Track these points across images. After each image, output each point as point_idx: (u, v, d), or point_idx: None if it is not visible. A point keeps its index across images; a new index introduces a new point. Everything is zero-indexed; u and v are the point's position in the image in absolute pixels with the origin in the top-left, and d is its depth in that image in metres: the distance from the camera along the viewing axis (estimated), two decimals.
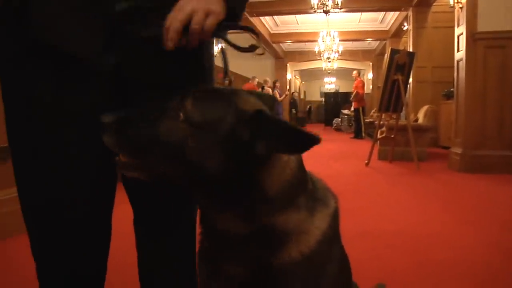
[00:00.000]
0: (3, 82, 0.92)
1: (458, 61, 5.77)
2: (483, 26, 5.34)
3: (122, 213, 1.29)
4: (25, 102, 0.90)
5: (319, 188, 0.90)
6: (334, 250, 0.89)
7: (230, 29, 0.95)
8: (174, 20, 0.85)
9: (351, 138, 12.62)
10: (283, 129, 0.72)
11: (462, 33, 5.56)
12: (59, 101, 0.89)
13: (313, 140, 0.70)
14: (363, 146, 8.91)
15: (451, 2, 6.00)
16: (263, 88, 11.64)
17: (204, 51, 1.03)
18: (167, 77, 0.97)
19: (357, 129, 12.58)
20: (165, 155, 0.77)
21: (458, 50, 5.76)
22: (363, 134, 12.21)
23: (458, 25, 5.73)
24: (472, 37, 5.37)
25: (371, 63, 19.29)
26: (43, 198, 0.92)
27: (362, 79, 14.38)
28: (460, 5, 5.61)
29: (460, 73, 5.67)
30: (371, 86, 18.85)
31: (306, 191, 0.85)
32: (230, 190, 0.77)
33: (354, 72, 13.50)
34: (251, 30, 0.98)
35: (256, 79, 11.63)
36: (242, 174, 0.75)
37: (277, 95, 12.98)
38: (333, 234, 0.87)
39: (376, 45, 17.85)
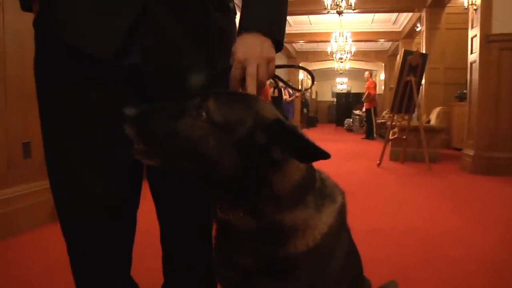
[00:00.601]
0: (37, 83, 1.01)
1: (471, 63, 5.78)
2: (497, 28, 5.34)
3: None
4: (55, 102, 0.97)
5: (327, 185, 0.95)
6: (340, 242, 0.95)
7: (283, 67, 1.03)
8: (235, 73, 0.95)
9: (362, 138, 12.62)
10: (299, 140, 0.78)
11: (476, 35, 5.57)
12: (84, 99, 0.95)
13: (324, 155, 0.78)
14: (375, 146, 8.93)
15: (465, 4, 6.01)
16: (275, 87, 11.67)
17: (216, 55, 1.06)
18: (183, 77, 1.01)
19: (368, 130, 12.58)
20: (183, 150, 0.80)
21: (471, 52, 5.77)
22: (375, 135, 12.20)
23: (472, 27, 5.74)
24: (486, 39, 5.38)
25: (383, 64, 19.21)
26: (75, 191, 0.99)
27: (374, 80, 14.36)
28: (475, 7, 5.62)
29: (474, 75, 5.68)
30: (383, 87, 18.79)
31: (314, 189, 0.90)
32: (242, 188, 0.82)
33: (366, 73, 13.49)
34: (307, 71, 1.12)
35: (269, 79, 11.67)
36: (256, 174, 0.80)
37: (287, 95, 13.00)
38: (339, 227, 0.93)
39: (388, 46, 17.78)
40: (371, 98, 12.55)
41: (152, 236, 1.37)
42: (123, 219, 1.07)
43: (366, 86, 12.87)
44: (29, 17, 1.02)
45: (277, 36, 1.00)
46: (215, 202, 0.89)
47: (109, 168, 1.00)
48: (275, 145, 0.79)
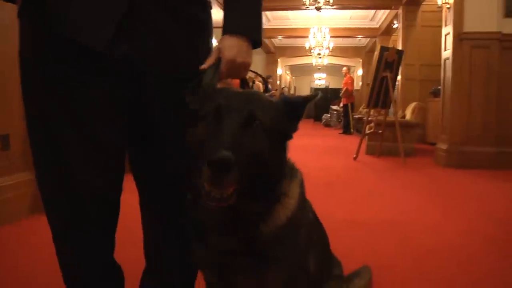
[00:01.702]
0: (24, 75, 1.03)
1: (445, 60, 5.94)
2: (469, 26, 5.51)
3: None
4: (46, 93, 1.00)
5: (289, 163, 1.06)
6: (306, 212, 1.08)
7: None
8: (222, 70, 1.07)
9: (340, 133, 12.77)
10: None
11: (449, 33, 5.73)
12: (77, 90, 0.99)
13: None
14: (352, 141, 9.07)
15: (439, 2, 6.16)
16: (253, 82, 11.71)
17: (199, 46, 1.15)
18: (176, 66, 1.08)
19: (345, 125, 12.71)
20: (256, 162, 0.85)
21: (445, 49, 5.93)
22: (352, 130, 12.37)
23: (446, 25, 5.90)
24: (459, 37, 5.55)
25: (361, 60, 19.45)
26: (69, 181, 1.02)
27: (352, 75, 14.54)
28: (448, 6, 5.77)
29: (447, 72, 5.84)
30: (360, 83, 19.02)
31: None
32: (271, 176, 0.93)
33: (344, 69, 13.64)
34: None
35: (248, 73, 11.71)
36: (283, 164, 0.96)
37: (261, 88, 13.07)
38: (304, 198, 1.05)
39: (366, 42, 18.02)
40: (349, 93, 12.70)
41: (133, 223, 1.41)
42: (110, 206, 1.11)
43: (343, 82, 13.02)
44: (10, 11, 1.05)
45: (257, 37, 1.14)
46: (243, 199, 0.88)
47: (102, 158, 1.04)
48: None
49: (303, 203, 1.04)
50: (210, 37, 1.20)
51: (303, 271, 1.04)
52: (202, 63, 1.09)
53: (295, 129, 0.97)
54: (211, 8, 1.21)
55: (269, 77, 14.00)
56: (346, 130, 12.54)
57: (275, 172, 0.93)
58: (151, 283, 1.31)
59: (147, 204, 1.27)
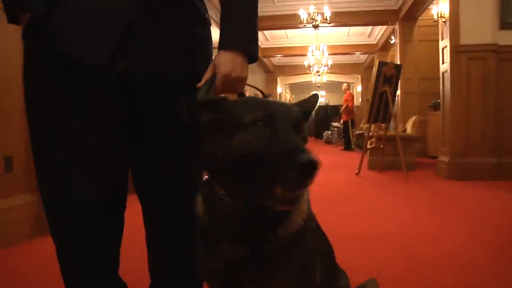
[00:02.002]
0: (27, 93, 1.06)
1: (443, 73, 6.00)
2: (465, 39, 5.58)
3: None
4: (45, 109, 1.03)
5: None
6: (312, 222, 1.06)
7: None
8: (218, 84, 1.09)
9: (341, 150, 12.78)
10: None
11: (446, 46, 5.79)
12: (74, 106, 1.02)
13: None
14: (353, 157, 9.08)
15: (435, 17, 6.24)
16: None
17: (198, 62, 1.16)
18: (171, 83, 1.11)
19: (346, 141, 12.71)
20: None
21: (443, 62, 5.99)
22: (353, 146, 12.38)
23: (442, 38, 5.97)
24: (456, 50, 5.61)
25: (360, 76, 19.57)
26: (66, 197, 1.04)
27: (351, 92, 14.61)
28: (444, 20, 5.85)
29: (446, 85, 5.89)
30: (360, 99, 19.10)
31: None
32: None
33: (344, 85, 13.72)
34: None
35: (247, 93, 11.79)
36: None
37: None
38: (310, 205, 1.04)
39: (364, 59, 18.15)
40: (349, 110, 12.75)
41: (135, 238, 1.42)
42: (112, 221, 1.12)
43: (344, 98, 13.08)
44: (12, 31, 1.09)
45: (253, 51, 1.14)
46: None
47: (98, 172, 1.06)
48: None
49: (310, 214, 1.04)
50: (210, 53, 1.22)
51: (312, 276, 1.03)
52: (200, 79, 1.11)
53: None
54: (210, 24, 1.24)
55: (269, 95, 14.07)
56: (348, 147, 12.54)
57: None
58: None
59: (149, 217, 1.28)
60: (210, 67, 1.11)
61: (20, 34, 1.05)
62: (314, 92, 1.06)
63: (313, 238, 1.05)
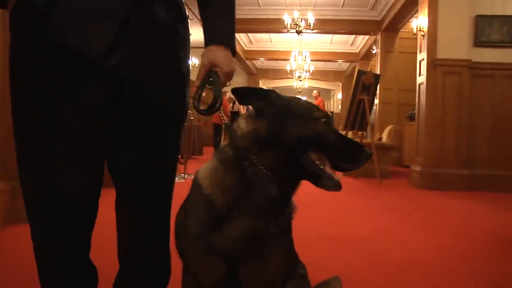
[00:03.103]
0: (15, 81, 1.08)
1: (419, 85, 6.16)
2: (442, 53, 5.76)
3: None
4: (34, 99, 1.05)
5: None
6: None
7: None
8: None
9: None
10: None
11: (423, 59, 5.96)
12: (64, 96, 1.05)
13: None
14: None
15: (414, 30, 6.41)
16: (234, 103, 11.80)
17: (181, 57, 1.24)
18: (157, 76, 1.17)
19: None
20: None
21: (419, 74, 6.15)
22: None
23: (420, 51, 6.14)
24: (432, 63, 5.78)
25: (341, 84, 19.79)
26: (53, 184, 1.08)
27: (322, 99, 14.74)
28: (422, 33, 6.02)
29: (421, 96, 6.06)
30: (340, 106, 19.32)
31: None
32: None
33: (315, 92, 13.84)
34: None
35: (228, 94, 11.82)
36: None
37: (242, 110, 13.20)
38: None
39: (346, 67, 18.37)
40: None
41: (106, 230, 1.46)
42: (90, 206, 1.17)
43: None
44: None
45: (234, 47, 1.26)
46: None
47: (85, 162, 1.10)
48: None
49: None
50: (189, 51, 1.29)
51: (294, 256, 1.25)
52: (184, 73, 1.21)
53: None
54: (188, 22, 1.31)
55: None
56: None
57: None
58: (124, 284, 1.35)
59: (123, 205, 1.32)
60: (205, 62, 1.21)
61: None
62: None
63: None
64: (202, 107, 1.25)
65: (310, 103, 1.15)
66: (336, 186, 1.10)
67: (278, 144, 1.05)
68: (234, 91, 1.14)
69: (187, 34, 1.28)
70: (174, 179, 1.39)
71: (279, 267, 1.11)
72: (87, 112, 1.08)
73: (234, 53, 1.26)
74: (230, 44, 1.24)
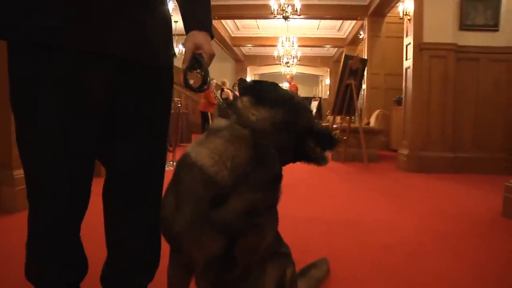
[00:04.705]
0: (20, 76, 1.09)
1: (406, 69, 6.20)
2: (428, 37, 5.78)
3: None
4: (38, 85, 1.07)
5: None
6: None
7: None
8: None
9: None
10: None
11: (410, 43, 5.99)
12: (74, 82, 1.08)
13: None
14: None
15: (401, 14, 6.43)
16: (222, 90, 11.79)
17: (170, 40, 1.34)
18: (154, 57, 1.25)
19: None
20: None
21: (406, 59, 6.19)
22: None
23: (407, 35, 6.16)
24: (419, 47, 5.80)
25: (328, 69, 19.81)
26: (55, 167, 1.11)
27: (295, 83, 14.70)
28: (409, 17, 6.04)
29: (408, 81, 6.10)
30: (328, 92, 19.38)
31: None
32: None
33: (288, 76, 13.75)
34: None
35: (214, 81, 11.79)
36: None
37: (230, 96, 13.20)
38: None
39: (334, 52, 18.38)
40: None
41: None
42: (86, 190, 1.19)
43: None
44: None
45: (212, 32, 1.33)
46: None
47: (84, 149, 1.15)
48: None
49: None
50: (172, 34, 1.36)
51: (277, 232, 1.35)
52: (172, 55, 1.33)
53: None
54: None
55: (236, 84, 14.06)
56: None
57: None
58: (112, 270, 1.37)
59: (114, 190, 1.33)
60: (190, 46, 1.26)
61: None
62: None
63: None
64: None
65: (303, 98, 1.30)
66: (326, 162, 1.29)
67: (289, 130, 1.18)
68: (255, 84, 1.22)
69: (170, 19, 1.35)
70: (165, 165, 1.41)
71: (270, 241, 1.21)
72: (90, 103, 1.12)
73: (212, 37, 1.33)
74: (208, 29, 1.32)
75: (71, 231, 1.20)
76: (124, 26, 1.12)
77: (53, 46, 1.03)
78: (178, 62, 1.47)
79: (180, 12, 1.34)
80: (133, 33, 1.15)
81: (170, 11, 1.39)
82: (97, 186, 1.31)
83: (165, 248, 1.36)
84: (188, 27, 1.30)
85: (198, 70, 1.27)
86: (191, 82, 1.26)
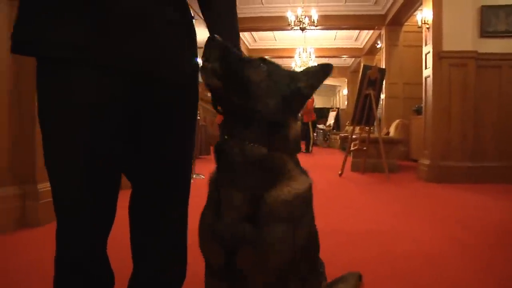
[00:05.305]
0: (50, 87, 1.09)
1: (426, 78, 6.13)
2: (447, 45, 5.72)
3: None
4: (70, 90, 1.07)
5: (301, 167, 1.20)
6: (309, 212, 1.17)
7: None
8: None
9: (302, 151, 12.38)
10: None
11: (429, 52, 5.93)
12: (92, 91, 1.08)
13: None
14: (337, 158, 9.19)
15: (419, 23, 6.38)
16: None
17: (192, 56, 1.31)
18: (177, 73, 1.23)
19: (307, 143, 12.10)
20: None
21: (425, 68, 6.12)
22: (311, 149, 12.10)
23: (426, 44, 6.11)
24: (438, 56, 5.74)
25: (346, 80, 19.75)
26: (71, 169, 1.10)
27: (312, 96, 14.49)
28: (427, 26, 5.99)
29: (428, 90, 6.03)
30: (346, 102, 19.29)
31: (296, 157, 1.17)
32: (273, 124, 1.08)
33: None
34: None
35: None
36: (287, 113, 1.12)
37: None
38: (310, 198, 1.17)
39: (351, 62, 18.34)
40: (307, 110, 12.09)
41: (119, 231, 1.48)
42: (113, 203, 1.21)
43: None
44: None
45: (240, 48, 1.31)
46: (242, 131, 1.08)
47: (109, 158, 1.14)
48: None
49: (309, 201, 1.19)
50: (197, 49, 1.34)
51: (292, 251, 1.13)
52: (196, 70, 1.28)
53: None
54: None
55: None
56: (307, 149, 11.95)
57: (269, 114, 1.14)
58: (138, 283, 1.37)
59: (140, 203, 1.33)
60: None
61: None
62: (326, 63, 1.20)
63: (306, 229, 1.15)
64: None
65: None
66: None
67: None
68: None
69: (195, 32, 1.33)
70: (190, 178, 1.41)
71: (282, 256, 1.06)
72: (113, 112, 1.12)
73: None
74: (237, 45, 1.29)
75: (98, 244, 1.20)
76: (145, 40, 1.11)
77: (76, 61, 1.04)
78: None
79: (207, 26, 1.33)
80: (154, 47, 1.14)
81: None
82: (122, 199, 1.32)
83: (191, 259, 1.36)
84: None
85: None
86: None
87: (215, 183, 1.14)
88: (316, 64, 1.18)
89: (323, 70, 1.16)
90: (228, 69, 1.04)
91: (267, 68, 1.09)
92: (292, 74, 1.15)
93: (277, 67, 1.14)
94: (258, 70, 1.08)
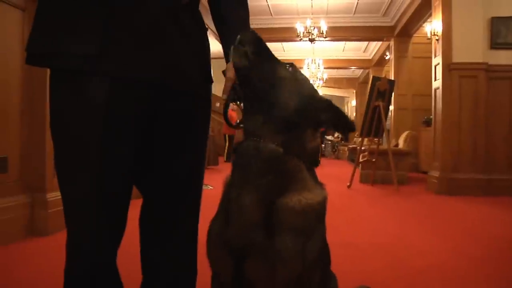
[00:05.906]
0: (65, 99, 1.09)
1: (435, 90, 6.10)
2: (457, 57, 5.70)
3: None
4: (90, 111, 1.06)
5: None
6: (321, 225, 1.12)
7: None
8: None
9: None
10: None
11: (438, 63, 5.91)
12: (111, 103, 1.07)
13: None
14: (346, 170, 9.15)
15: (429, 34, 6.37)
16: None
17: (208, 69, 1.31)
18: (191, 87, 1.23)
19: None
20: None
21: (435, 79, 6.10)
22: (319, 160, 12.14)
23: (435, 56, 6.10)
24: (448, 67, 5.72)
25: (354, 91, 19.73)
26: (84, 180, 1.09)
27: None
28: (437, 37, 5.98)
29: (437, 101, 6.00)
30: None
31: (313, 169, 1.14)
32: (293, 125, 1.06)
33: None
34: None
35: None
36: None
37: None
38: (322, 212, 1.11)
39: (359, 73, 18.33)
40: None
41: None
42: (124, 215, 1.19)
43: None
44: (9, 33, 1.11)
45: None
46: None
47: (120, 170, 1.13)
48: None
49: (322, 215, 1.13)
50: (210, 60, 1.34)
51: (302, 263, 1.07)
52: (210, 81, 1.30)
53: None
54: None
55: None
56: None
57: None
58: None
59: (151, 214, 1.32)
60: (231, 75, 1.20)
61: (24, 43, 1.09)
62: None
63: (319, 243, 1.11)
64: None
65: None
66: None
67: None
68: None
69: (208, 43, 1.33)
70: (201, 191, 1.40)
71: (290, 269, 1.02)
72: (128, 125, 1.11)
73: None
74: None
75: (108, 256, 1.19)
76: (159, 52, 1.11)
77: (90, 73, 1.04)
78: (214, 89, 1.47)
79: (220, 40, 1.32)
80: (168, 59, 1.13)
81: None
82: (131, 210, 1.31)
83: (200, 270, 1.35)
84: (229, 56, 1.23)
85: (238, 102, 1.22)
86: (232, 115, 1.24)
87: (228, 184, 1.12)
88: (346, 114, 1.13)
89: (347, 124, 1.12)
90: (259, 55, 1.07)
91: (295, 70, 1.11)
92: (315, 92, 1.15)
93: (305, 77, 1.15)
94: (286, 68, 1.10)
